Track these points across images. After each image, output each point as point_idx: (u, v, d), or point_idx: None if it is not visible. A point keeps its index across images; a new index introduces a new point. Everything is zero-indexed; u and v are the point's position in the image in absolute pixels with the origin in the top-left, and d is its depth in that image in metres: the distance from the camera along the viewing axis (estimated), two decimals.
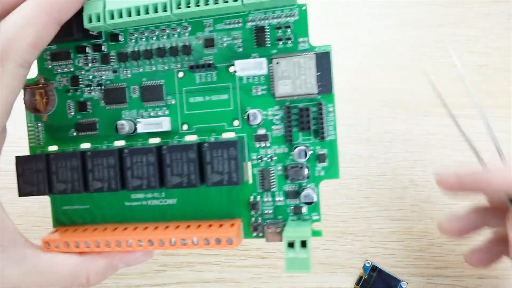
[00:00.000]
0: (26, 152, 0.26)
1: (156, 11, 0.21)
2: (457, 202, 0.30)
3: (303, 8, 0.22)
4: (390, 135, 0.31)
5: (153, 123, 0.23)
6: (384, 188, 0.31)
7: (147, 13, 0.21)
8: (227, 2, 0.20)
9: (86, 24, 0.21)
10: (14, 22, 0.19)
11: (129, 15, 0.21)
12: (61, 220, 0.25)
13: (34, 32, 0.20)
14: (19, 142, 0.27)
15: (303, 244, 0.19)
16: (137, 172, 0.21)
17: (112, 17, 0.21)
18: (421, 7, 0.33)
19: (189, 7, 0.20)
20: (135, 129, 0.23)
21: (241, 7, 0.20)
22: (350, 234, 0.31)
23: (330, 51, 0.21)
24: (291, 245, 0.20)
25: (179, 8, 0.20)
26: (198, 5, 0.20)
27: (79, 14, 0.22)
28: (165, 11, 0.21)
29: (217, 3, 0.20)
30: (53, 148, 0.24)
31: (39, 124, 0.25)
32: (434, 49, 0.32)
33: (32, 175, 0.22)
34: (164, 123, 0.23)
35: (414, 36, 0.32)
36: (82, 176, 0.22)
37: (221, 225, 0.22)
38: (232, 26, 0.22)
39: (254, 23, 0.22)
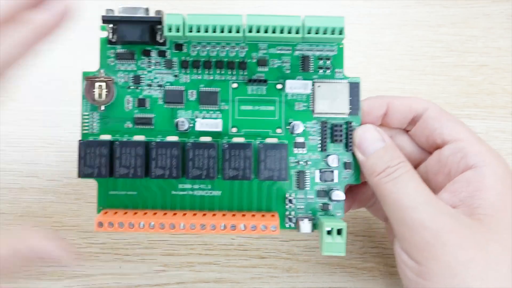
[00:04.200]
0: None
1: (230, 31, 0.25)
2: None
3: (341, 46, 0.27)
4: None
5: (210, 123, 0.26)
6: None
7: (222, 31, 0.25)
8: (290, 33, 0.25)
9: (166, 33, 0.25)
10: None
11: (206, 31, 0.25)
12: (107, 205, 0.26)
13: None
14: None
15: (339, 232, 0.24)
16: (198, 163, 0.25)
17: (191, 31, 0.25)
18: (421, 7, 0.33)
19: (258, 32, 0.25)
20: (191, 127, 0.26)
21: (300, 38, 0.25)
22: (350, 234, 0.32)
23: (359, 82, 0.27)
24: (329, 232, 0.24)
25: (250, 32, 0.25)
26: (266, 32, 0.25)
27: (156, 22, 0.25)
28: (238, 32, 0.25)
29: (282, 33, 0.25)
30: (105, 137, 0.27)
31: (95, 114, 0.27)
32: (434, 49, 0.32)
33: (94, 158, 0.24)
34: (219, 124, 0.26)
35: (414, 36, 0.32)
36: (145, 163, 0.25)
37: (263, 216, 0.26)
38: (283, 52, 0.27)
39: (301, 52, 0.27)
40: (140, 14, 0.26)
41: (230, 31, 0.25)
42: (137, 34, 0.26)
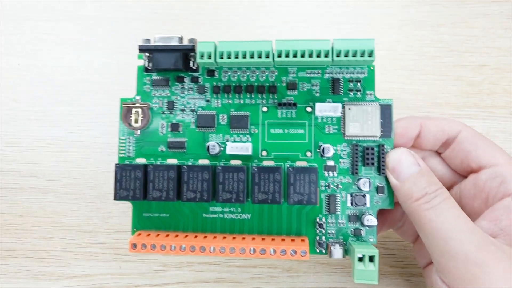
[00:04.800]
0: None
1: (259, 56, 0.25)
2: None
3: (372, 68, 0.27)
4: None
5: (240, 147, 0.26)
6: None
7: (252, 57, 0.25)
8: (319, 57, 0.25)
9: (198, 60, 0.25)
10: None
11: (237, 57, 0.25)
12: (141, 226, 0.27)
13: None
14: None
15: (371, 259, 0.23)
16: (227, 186, 0.25)
17: (222, 57, 0.25)
18: (421, 7, 0.33)
19: (287, 57, 0.25)
20: (221, 150, 0.27)
21: (329, 62, 0.25)
22: None
23: (391, 104, 0.27)
24: (360, 259, 0.23)
25: (279, 57, 0.25)
26: (295, 57, 0.25)
27: (189, 50, 0.26)
28: (267, 57, 0.25)
29: (310, 57, 0.25)
30: (140, 160, 0.28)
31: (131, 138, 0.28)
32: (434, 49, 0.32)
33: (129, 181, 0.25)
34: (249, 148, 0.26)
35: (414, 36, 0.32)
36: (177, 186, 0.25)
37: (292, 240, 0.25)
38: (312, 75, 0.27)
39: (331, 75, 0.27)
40: (174, 42, 0.27)
41: (259, 57, 0.25)
42: (171, 62, 0.27)
